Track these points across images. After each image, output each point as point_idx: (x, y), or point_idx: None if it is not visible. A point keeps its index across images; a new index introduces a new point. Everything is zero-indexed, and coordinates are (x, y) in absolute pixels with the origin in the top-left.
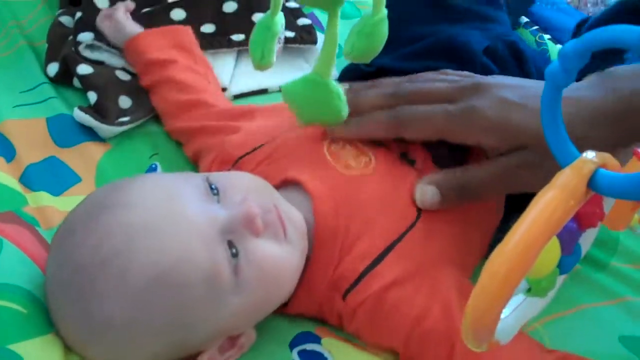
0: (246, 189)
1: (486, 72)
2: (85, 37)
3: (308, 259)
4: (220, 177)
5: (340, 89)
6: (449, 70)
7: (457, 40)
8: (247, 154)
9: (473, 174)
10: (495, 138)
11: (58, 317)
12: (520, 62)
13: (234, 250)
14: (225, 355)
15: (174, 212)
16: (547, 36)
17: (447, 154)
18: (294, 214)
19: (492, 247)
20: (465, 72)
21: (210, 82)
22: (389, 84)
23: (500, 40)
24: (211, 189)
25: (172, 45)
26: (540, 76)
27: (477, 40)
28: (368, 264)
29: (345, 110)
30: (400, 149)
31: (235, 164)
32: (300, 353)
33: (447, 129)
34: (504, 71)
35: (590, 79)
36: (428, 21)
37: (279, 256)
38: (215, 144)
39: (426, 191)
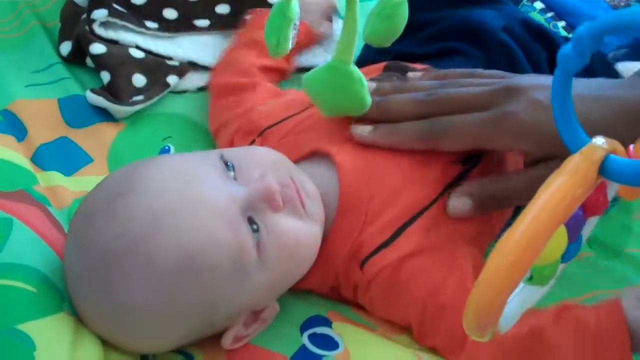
0: (262, 163)
1: (505, 50)
2: (100, 13)
3: (330, 228)
4: (236, 153)
5: (362, 75)
6: (480, 71)
7: (473, 20)
8: (276, 124)
9: (508, 185)
10: (531, 144)
11: (82, 305)
12: (537, 37)
13: (254, 227)
14: (250, 329)
15: (194, 195)
16: (561, 23)
17: None
18: (309, 186)
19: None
20: (497, 72)
21: None
22: (419, 87)
23: (513, 17)
24: (227, 166)
25: None
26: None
27: (493, 18)
28: (389, 235)
29: (368, 98)
30: None
31: (262, 134)
32: (310, 336)
33: (483, 138)
34: (523, 48)
35: (630, 78)
36: (440, 5)
37: (300, 230)
38: (242, 114)
39: (459, 203)
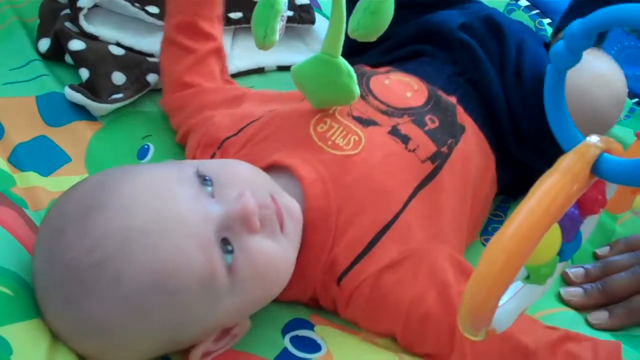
0: (242, 181)
1: (465, 47)
2: (86, 1)
3: (301, 244)
4: (214, 167)
5: (350, 67)
6: None
7: (430, 22)
8: (233, 135)
9: None
10: None
11: (49, 314)
12: (497, 34)
13: (229, 248)
14: (220, 344)
15: (168, 214)
16: (546, 21)
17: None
18: (292, 205)
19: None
20: None
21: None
22: (621, 265)
23: (475, 15)
24: (204, 180)
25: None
26: (520, 47)
27: (452, 18)
28: (362, 247)
29: (356, 90)
30: (391, 122)
31: (221, 146)
32: (292, 339)
33: None
34: (482, 45)
35: None
36: (409, 16)
37: (275, 252)
38: (199, 125)
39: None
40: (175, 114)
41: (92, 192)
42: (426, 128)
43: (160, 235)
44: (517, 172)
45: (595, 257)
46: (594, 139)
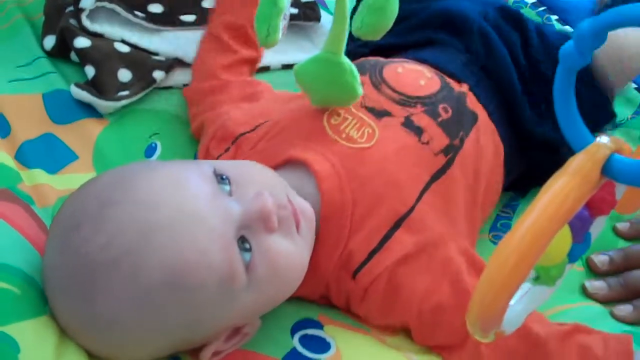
0: (259, 181)
1: (482, 36)
2: (88, 2)
3: (315, 239)
4: (231, 167)
5: (353, 66)
6: None
7: (451, 10)
8: (248, 132)
9: None
10: None
11: (60, 310)
12: (516, 23)
13: (247, 246)
14: (231, 343)
15: (189, 211)
16: (554, 17)
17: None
18: (305, 207)
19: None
20: None
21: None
22: None
23: (490, 6)
24: (222, 179)
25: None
26: (540, 31)
27: (469, 6)
28: (378, 240)
29: (359, 89)
30: (404, 112)
31: (236, 141)
32: (301, 338)
33: None
34: (500, 34)
35: None
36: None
37: (292, 252)
38: (216, 119)
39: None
40: (197, 103)
41: (109, 188)
42: (439, 119)
43: (180, 232)
44: (525, 165)
45: (615, 232)
46: (604, 139)
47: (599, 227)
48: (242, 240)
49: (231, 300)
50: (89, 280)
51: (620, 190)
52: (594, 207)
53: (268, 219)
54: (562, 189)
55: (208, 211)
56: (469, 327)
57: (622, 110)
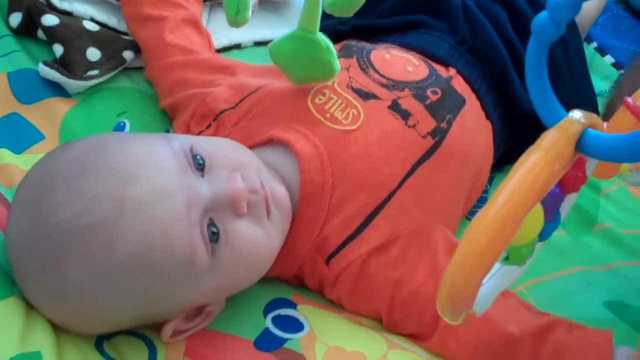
0: (232, 162)
1: (467, 15)
2: None
3: (292, 219)
4: (206, 147)
5: (330, 42)
6: None
7: None
8: (230, 108)
9: None
10: None
11: (24, 273)
12: (504, 2)
13: (214, 230)
14: (192, 323)
15: (162, 189)
16: None
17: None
18: (279, 193)
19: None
20: None
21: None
22: None
23: None
24: (195, 159)
25: None
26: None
27: None
28: (355, 227)
29: (337, 65)
30: (391, 96)
31: (217, 118)
32: (274, 319)
33: None
34: (485, 12)
35: None
36: None
37: (259, 238)
38: (195, 96)
39: None
40: (161, 82)
41: (85, 154)
42: (427, 102)
43: (149, 211)
44: (512, 143)
45: None
46: (576, 114)
47: (568, 204)
48: (209, 223)
49: (192, 282)
50: (61, 245)
51: (591, 166)
52: (566, 184)
53: (237, 204)
54: (534, 166)
55: (175, 191)
56: (438, 308)
57: (600, 85)
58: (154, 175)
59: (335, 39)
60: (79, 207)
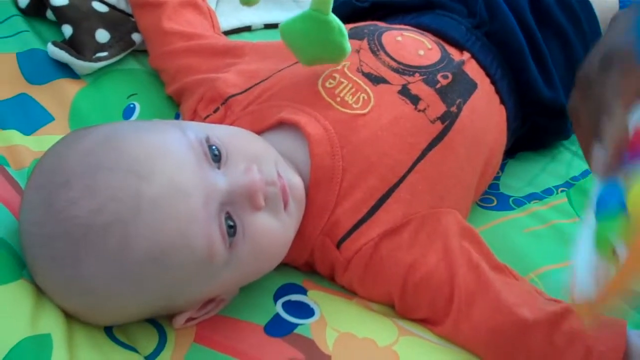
0: (249, 154)
1: (489, 1)
2: None
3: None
4: (222, 138)
5: (342, 24)
6: None
7: None
8: (239, 93)
9: None
10: None
11: (39, 269)
12: None
13: (231, 223)
14: (204, 310)
15: (179, 187)
16: None
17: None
18: (296, 183)
19: None
20: None
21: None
22: None
23: None
24: (211, 150)
25: None
26: None
27: None
28: (366, 211)
29: (348, 47)
30: (401, 81)
31: (225, 102)
32: (284, 304)
33: None
34: (509, 1)
35: None
36: None
37: (276, 231)
38: (203, 81)
39: None
40: (167, 68)
41: (100, 148)
42: (438, 85)
43: (166, 208)
44: (525, 130)
45: None
46: None
47: None
48: (227, 217)
49: (209, 276)
50: (77, 242)
51: None
52: None
53: (254, 198)
54: None
55: (192, 187)
56: (583, 314)
57: None
58: (170, 170)
59: (354, 16)
60: (94, 206)
